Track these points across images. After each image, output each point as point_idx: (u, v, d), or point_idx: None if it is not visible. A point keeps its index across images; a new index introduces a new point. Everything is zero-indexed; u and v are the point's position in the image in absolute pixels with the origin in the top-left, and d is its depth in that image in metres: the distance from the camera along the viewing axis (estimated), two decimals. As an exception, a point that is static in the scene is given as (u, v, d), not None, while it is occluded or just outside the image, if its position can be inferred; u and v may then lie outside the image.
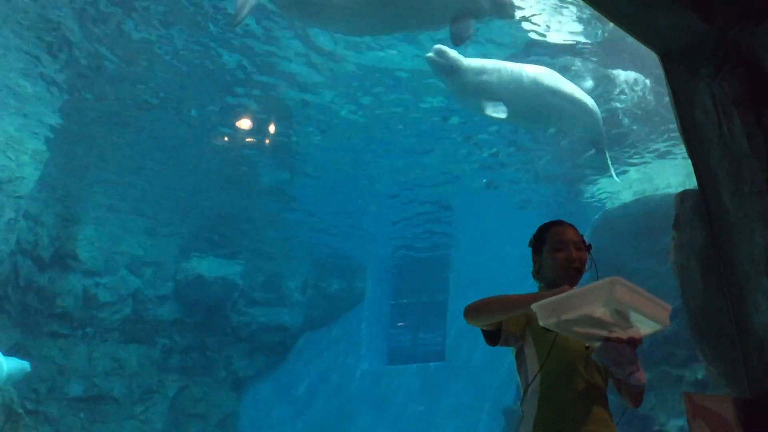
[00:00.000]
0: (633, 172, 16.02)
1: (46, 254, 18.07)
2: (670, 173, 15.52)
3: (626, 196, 16.68)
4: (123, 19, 12.08)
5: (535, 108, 12.89)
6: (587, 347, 3.31)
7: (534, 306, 3.09)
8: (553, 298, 3.08)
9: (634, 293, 2.97)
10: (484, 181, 17.19)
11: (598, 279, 3.08)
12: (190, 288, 20.59)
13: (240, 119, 15.34)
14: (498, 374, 17.89)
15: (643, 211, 15.41)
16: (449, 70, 12.10)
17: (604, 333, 3.13)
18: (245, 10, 10.90)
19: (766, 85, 3.95)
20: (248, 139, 16.18)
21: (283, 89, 14.05)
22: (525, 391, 3.55)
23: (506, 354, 3.81)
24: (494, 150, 15.96)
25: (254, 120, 15.34)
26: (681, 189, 4.95)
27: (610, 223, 16.07)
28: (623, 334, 3.12)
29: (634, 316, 3.03)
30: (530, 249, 3.82)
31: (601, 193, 17.16)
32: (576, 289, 3.12)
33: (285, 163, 17.10)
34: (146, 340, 19.71)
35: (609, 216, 16.35)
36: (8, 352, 15.53)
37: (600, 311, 2.96)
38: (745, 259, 4.02)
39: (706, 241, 4.48)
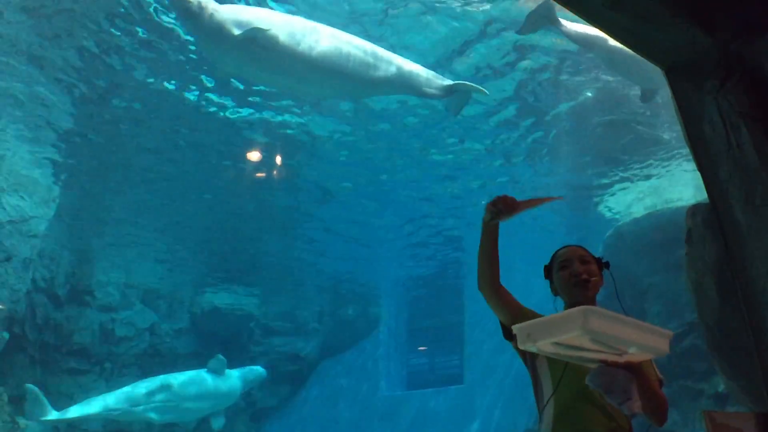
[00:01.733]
0: (644, 186, 15.97)
1: (62, 291, 18.15)
2: (681, 185, 15.49)
3: (638, 210, 16.59)
4: (135, 63, 12.16)
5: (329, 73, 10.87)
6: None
7: (513, 328, 3.09)
8: (527, 322, 3.05)
9: (614, 323, 2.86)
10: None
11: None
12: (206, 320, 20.61)
13: (252, 152, 15.36)
14: (517, 396, 17.77)
15: (655, 225, 15.31)
16: (192, 12, 9.74)
17: (600, 356, 3.04)
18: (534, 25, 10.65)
19: (773, 96, 3.94)
20: (259, 174, 16.22)
21: (293, 123, 14.08)
22: (540, 413, 3.57)
23: (525, 375, 3.83)
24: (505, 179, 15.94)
25: (265, 152, 15.36)
26: (693, 202, 4.93)
27: (622, 239, 15.96)
28: (620, 359, 3.04)
29: (618, 343, 2.92)
30: (548, 280, 3.92)
31: (610, 210, 17.10)
32: (549, 315, 3.05)
33: (297, 193, 17.11)
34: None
35: (621, 231, 16.24)
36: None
37: (576, 339, 2.88)
38: (759, 273, 3.99)
39: (720, 255, 4.45)
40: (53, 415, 15.39)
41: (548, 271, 3.89)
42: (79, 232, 18.22)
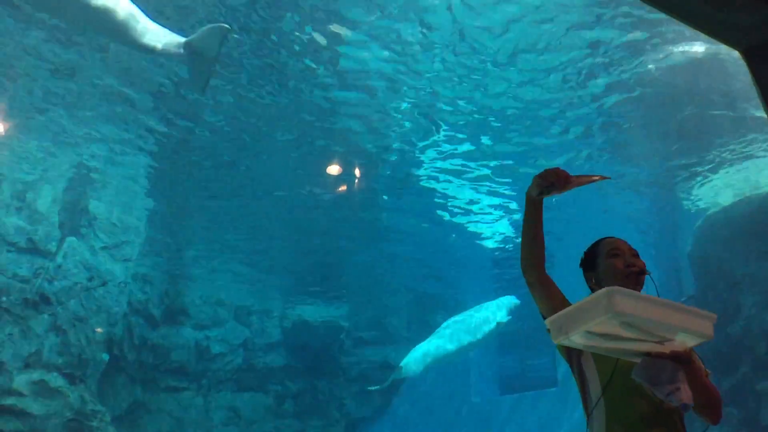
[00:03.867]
0: (733, 172, 15.49)
1: (157, 312, 18.72)
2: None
3: (725, 199, 16.10)
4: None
5: None
6: None
7: (547, 322, 2.96)
8: (558, 314, 2.91)
9: (644, 303, 2.71)
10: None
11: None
12: (297, 333, 20.93)
13: (333, 167, 15.48)
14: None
15: (745, 212, 14.88)
16: None
17: (644, 347, 2.90)
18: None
19: None
20: (341, 188, 16.36)
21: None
22: (589, 417, 3.35)
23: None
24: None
25: (347, 166, 15.46)
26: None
27: (712, 229, 15.53)
28: (663, 348, 2.89)
29: (656, 328, 2.77)
30: (582, 270, 3.64)
31: (698, 200, 16.67)
32: (575, 303, 2.89)
33: (379, 205, 17.20)
34: (259, 387, 20.10)
35: (711, 221, 15.79)
36: (129, 408, 16.21)
37: (606, 325, 2.73)
38: None
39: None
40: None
41: (588, 262, 3.60)
42: (170, 253, 18.74)
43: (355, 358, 21.49)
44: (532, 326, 22.08)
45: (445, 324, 19.76)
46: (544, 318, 3.38)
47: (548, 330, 3.01)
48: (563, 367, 19.93)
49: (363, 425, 21.34)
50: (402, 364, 18.68)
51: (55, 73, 11.79)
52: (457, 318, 19.84)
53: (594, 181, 3.52)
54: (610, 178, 3.52)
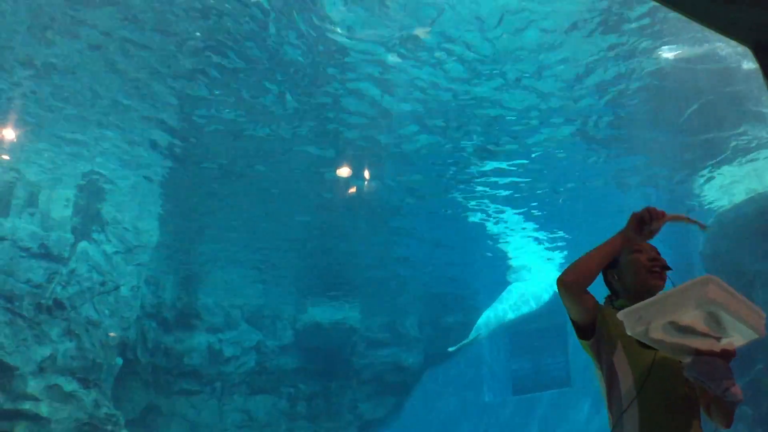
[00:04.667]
0: (743, 169, 15.41)
1: (170, 315, 18.81)
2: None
3: (737, 196, 15.99)
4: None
5: None
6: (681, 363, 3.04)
7: (620, 314, 2.91)
8: (637, 304, 2.86)
9: (728, 294, 2.72)
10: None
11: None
12: (309, 336, 20.97)
13: (346, 168, 15.48)
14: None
15: (757, 210, 14.83)
16: None
17: (695, 345, 2.91)
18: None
19: None
20: (351, 190, 16.36)
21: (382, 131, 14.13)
22: (617, 418, 3.27)
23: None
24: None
25: (358, 166, 15.47)
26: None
27: (723, 227, 15.44)
28: (716, 347, 2.90)
29: (727, 323, 2.78)
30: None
31: (708, 197, 16.58)
32: (663, 292, 2.87)
33: (390, 205, 17.20)
34: (272, 390, 20.15)
35: (722, 219, 15.70)
36: (143, 412, 16.31)
37: (691, 315, 2.74)
38: None
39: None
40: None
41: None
42: (181, 257, 18.82)
43: (367, 360, 21.51)
44: (545, 326, 22.09)
45: (507, 289, 20.80)
46: (572, 320, 3.44)
47: (587, 333, 3.09)
48: (576, 366, 19.93)
49: (376, 427, 21.36)
50: (476, 325, 19.74)
51: (64, 73, 11.85)
52: (518, 285, 20.99)
53: (691, 222, 3.57)
54: (705, 227, 3.56)
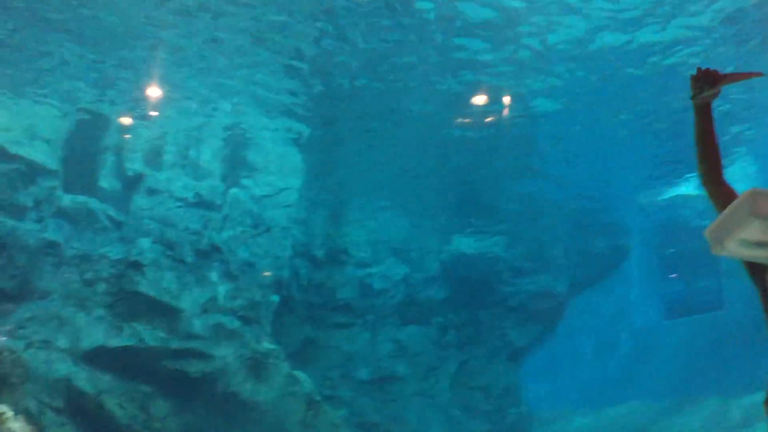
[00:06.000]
0: None
1: (320, 253, 19.53)
2: None
3: None
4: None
5: None
6: None
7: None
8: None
9: None
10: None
11: None
12: (455, 267, 21.22)
13: (483, 99, 15.44)
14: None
15: None
16: None
17: None
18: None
19: None
20: (488, 119, 16.31)
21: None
22: None
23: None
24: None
25: (497, 99, 15.40)
26: None
27: None
28: None
29: None
30: None
31: None
32: (723, 213, 2.61)
33: (531, 135, 17.07)
34: (422, 320, 20.61)
35: None
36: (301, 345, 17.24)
37: (761, 232, 2.48)
38: None
39: None
40: None
41: None
42: (327, 196, 19.40)
43: (513, 288, 21.60)
44: (696, 247, 21.40)
45: None
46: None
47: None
48: (729, 287, 19.31)
49: (526, 354, 21.55)
50: None
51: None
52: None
53: (747, 78, 3.30)
54: (761, 74, 3.35)
